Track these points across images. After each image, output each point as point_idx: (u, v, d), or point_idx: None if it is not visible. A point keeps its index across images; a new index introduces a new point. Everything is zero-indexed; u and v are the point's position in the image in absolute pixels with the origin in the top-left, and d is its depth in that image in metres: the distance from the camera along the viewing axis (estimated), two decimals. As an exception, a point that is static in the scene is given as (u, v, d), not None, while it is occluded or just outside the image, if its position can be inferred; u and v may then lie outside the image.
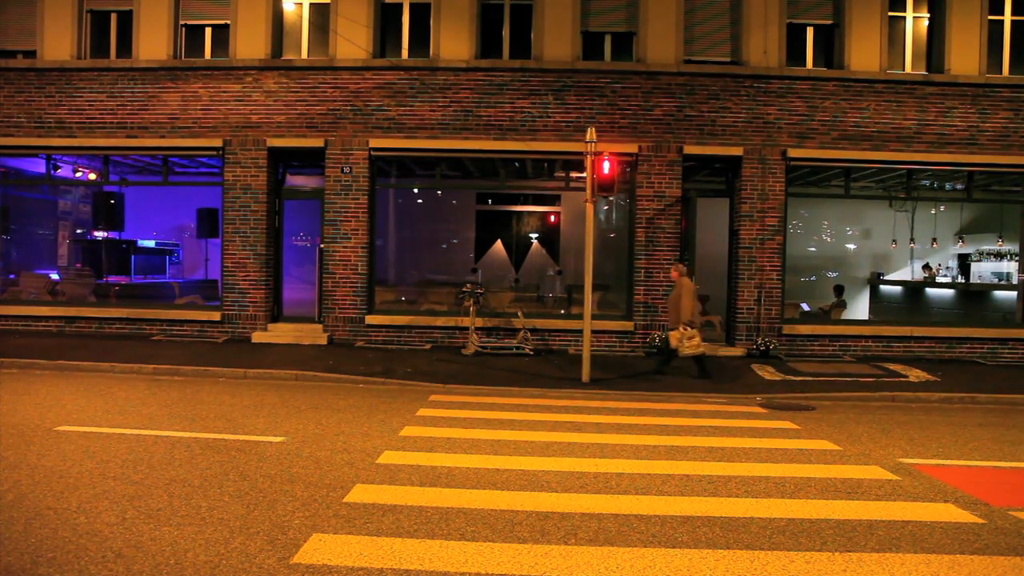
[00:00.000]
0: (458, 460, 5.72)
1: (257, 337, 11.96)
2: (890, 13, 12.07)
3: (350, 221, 11.97)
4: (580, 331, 10.29)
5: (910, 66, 12.23)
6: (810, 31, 12.23)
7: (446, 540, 4.03)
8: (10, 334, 11.88)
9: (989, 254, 13.92)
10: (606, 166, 9.41)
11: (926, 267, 14.57)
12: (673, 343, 9.80)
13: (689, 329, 9.67)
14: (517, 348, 11.46)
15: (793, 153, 11.75)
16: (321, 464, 5.47)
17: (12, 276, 13.46)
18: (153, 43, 12.20)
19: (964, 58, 11.93)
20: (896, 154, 11.80)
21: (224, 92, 12.05)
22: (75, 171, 13.42)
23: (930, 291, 14.26)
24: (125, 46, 12.42)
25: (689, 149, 11.78)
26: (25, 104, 12.28)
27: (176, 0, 12.27)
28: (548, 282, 14.36)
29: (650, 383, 9.53)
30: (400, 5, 12.24)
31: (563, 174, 12.74)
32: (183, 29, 12.42)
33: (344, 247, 11.98)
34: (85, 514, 4.25)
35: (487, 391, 8.88)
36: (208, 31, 12.42)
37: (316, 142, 11.95)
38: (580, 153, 10.41)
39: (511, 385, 9.16)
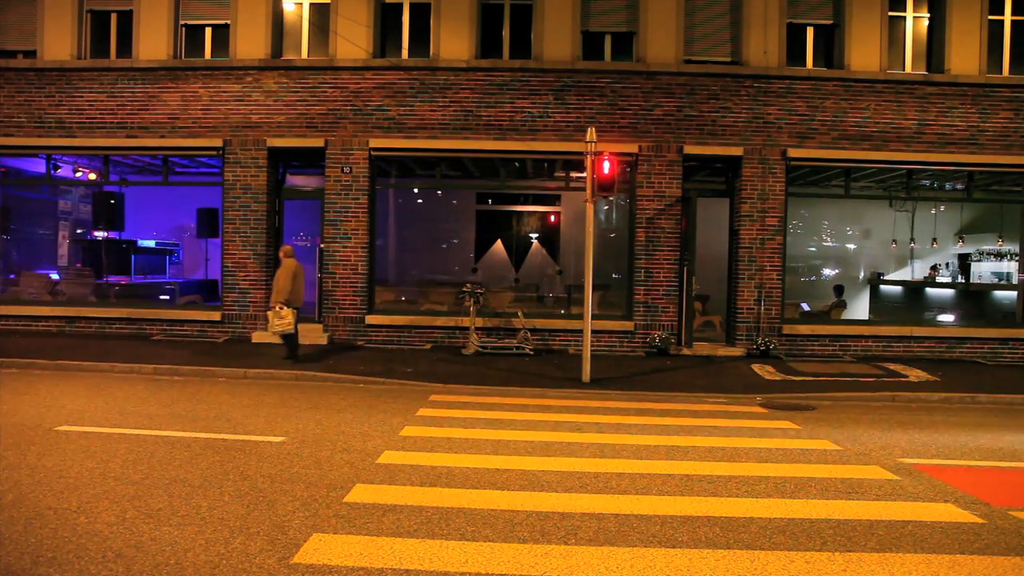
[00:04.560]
0: (458, 460, 5.72)
1: (257, 337, 11.95)
2: (890, 13, 12.07)
3: (350, 221, 11.97)
4: (580, 331, 10.29)
5: (910, 66, 12.23)
6: (810, 31, 12.23)
7: (446, 540, 4.03)
8: (10, 334, 11.88)
9: (989, 254, 13.91)
10: (606, 166, 9.41)
11: (934, 268, 14.52)
12: (270, 321, 10.04)
13: (283, 309, 9.89)
14: (517, 348, 11.45)
15: (793, 153, 11.75)
16: (321, 464, 5.47)
17: (12, 276, 13.46)
18: (153, 43, 12.20)
19: (964, 58, 11.92)
20: (896, 154, 11.80)
21: (224, 92, 12.05)
22: (75, 171, 13.42)
23: (930, 291, 14.25)
24: (125, 46, 12.41)
25: (689, 149, 11.78)
26: (25, 104, 12.28)
27: (176, 0, 12.28)
28: (548, 282, 14.36)
29: (650, 383, 9.53)
30: (400, 5, 12.24)
31: (563, 174, 12.74)
32: (183, 29, 12.42)
33: (344, 247, 11.98)
34: (85, 514, 4.24)
35: (487, 391, 8.88)
36: (208, 31, 12.42)
37: (316, 142, 11.95)
38: (580, 153, 10.41)
39: (511, 385, 9.15)
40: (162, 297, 13.84)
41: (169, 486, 4.82)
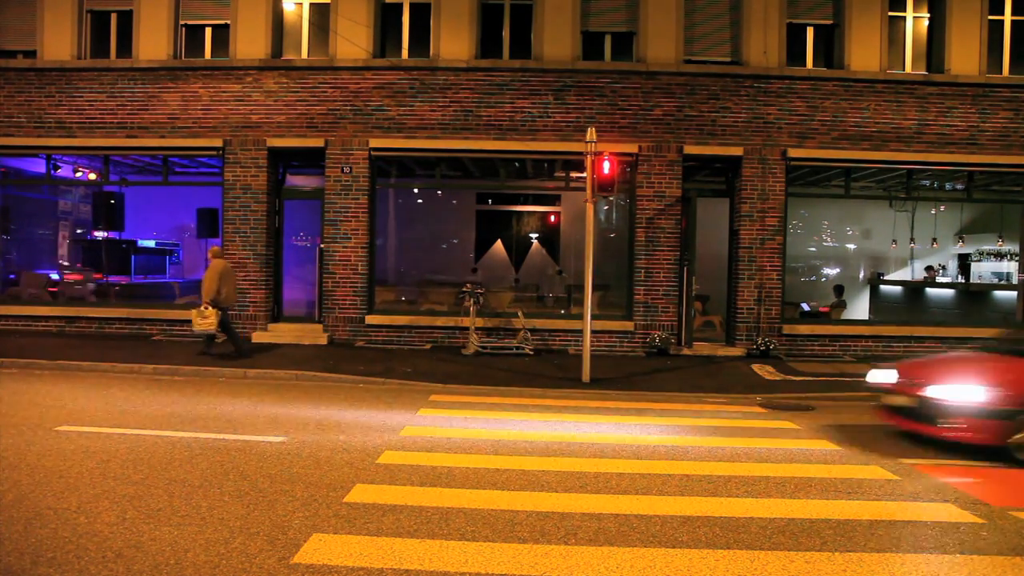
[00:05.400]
0: (458, 460, 5.73)
1: (257, 337, 11.95)
2: (890, 13, 12.07)
3: (350, 221, 11.97)
4: (580, 331, 10.29)
5: (910, 66, 12.23)
6: (810, 31, 12.23)
7: (446, 540, 4.03)
8: (10, 334, 11.88)
9: (989, 254, 13.91)
10: (606, 166, 9.41)
11: (928, 268, 14.52)
12: (193, 319, 10.16)
13: (208, 308, 10.00)
14: (517, 348, 11.45)
15: (793, 153, 11.75)
16: (321, 464, 5.47)
17: (12, 276, 13.46)
18: (153, 43, 12.20)
19: (964, 58, 11.93)
20: (896, 154, 11.80)
21: (224, 92, 12.05)
22: (75, 171, 13.41)
23: (930, 291, 14.24)
24: (125, 46, 12.42)
25: (689, 149, 11.78)
26: (25, 104, 12.28)
27: (176, 0, 12.28)
28: (548, 282, 14.36)
29: (650, 383, 9.53)
30: (400, 5, 12.24)
31: (563, 174, 12.74)
32: (183, 29, 12.42)
33: (344, 247, 11.98)
34: (85, 514, 4.24)
35: (487, 391, 8.88)
36: (208, 31, 12.42)
37: (316, 142, 11.95)
38: (580, 153, 10.41)
39: (511, 385, 9.15)
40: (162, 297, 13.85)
41: (169, 486, 4.82)
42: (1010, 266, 13.32)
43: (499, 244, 14.68)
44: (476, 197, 14.40)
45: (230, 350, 10.43)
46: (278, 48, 12.27)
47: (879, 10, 11.92)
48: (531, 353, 11.42)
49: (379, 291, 12.59)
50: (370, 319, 11.98)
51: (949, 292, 14.09)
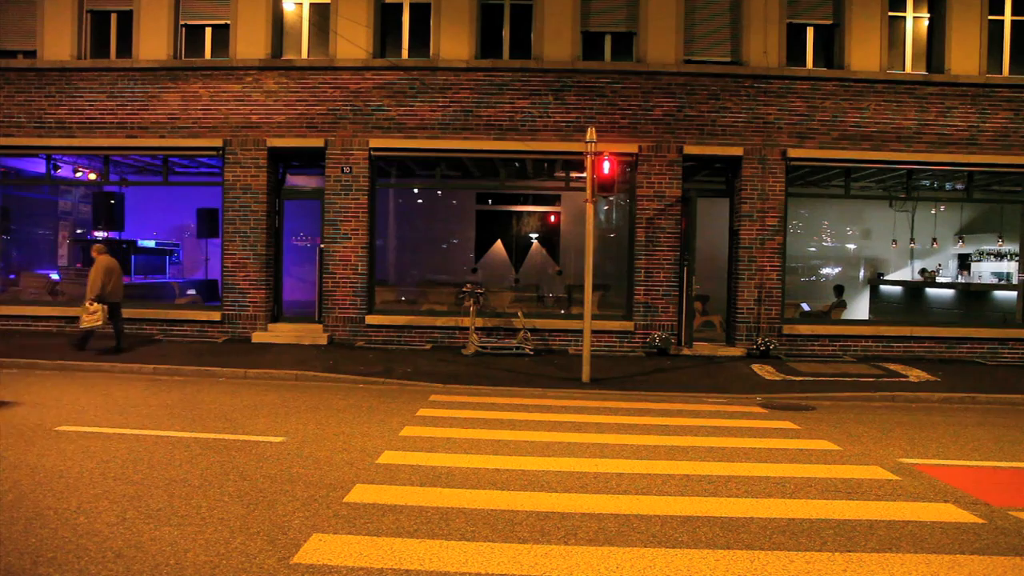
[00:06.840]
0: (458, 460, 5.73)
1: (257, 337, 11.96)
2: (890, 13, 12.07)
3: (350, 221, 11.97)
4: (580, 331, 10.29)
5: (910, 66, 12.23)
6: (810, 31, 12.23)
7: (446, 540, 4.03)
8: (10, 334, 11.88)
9: (989, 254, 13.91)
10: (606, 166, 9.42)
11: (923, 272, 14.53)
12: (80, 316, 10.31)
13: (93, 305, 10.18)
14: (517, 348, 11.46)
15: (793, 153, 11.75)
16: (321, 464, 5.47)
17: (12, 276, 13.46)
18: (153, 43, 12.20)
19: (964, 58, 11.93)
20: (896, 154, 11.80)
21: (224, 92, 12.05)
22: (75, 171, 13.42)
23: (930, 291, 14.26)
24: (125, 46, 12.42)
25: (689, 149, 11.78)
26: (25, 104, 12.28)
27: (176, 0, 12.28)
28: (548, 282, 14.36)
29: (650, 383, 9.53)
30: (400, 5, 12.25)
31: (563, 174, 12.74)
32: (183, 29, 12.42)
33: (344, 247, 11.98)
34: (85, 514, 4.25)
35: (487, 391, 8.88)
36: (208, 31, 12.42)
37: (316, 142, 11.95)
38: (580, 153, 10.42)
39: (511, 385, 9.15)
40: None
41: (169, 486, 4.82)
42: (1010, 266, 13.33)
43: (499, 244, 14.67)
44: (476, 197, 14.39)
45: (111, 345, 10.56)
46: (278, 48, 12.27)
47: (879, 10, 11.92)
48: (531, 353, 11.42)
49: (379, 291, 12.59)
50: (370, 319, 11.98)
51: (949, 292, 14.10)
